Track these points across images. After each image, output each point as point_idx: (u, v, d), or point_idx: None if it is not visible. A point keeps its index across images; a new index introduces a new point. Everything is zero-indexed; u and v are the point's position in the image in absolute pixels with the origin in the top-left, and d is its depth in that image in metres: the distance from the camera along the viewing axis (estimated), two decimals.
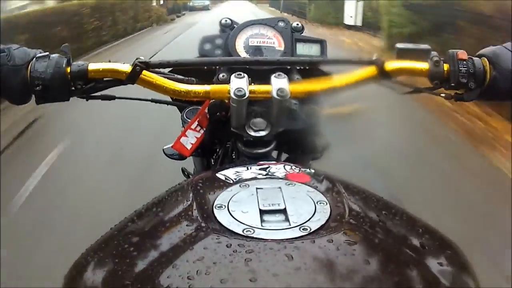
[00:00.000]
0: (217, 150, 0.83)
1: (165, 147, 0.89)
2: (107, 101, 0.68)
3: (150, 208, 0.50)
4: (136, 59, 0.63)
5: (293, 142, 0.74)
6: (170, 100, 0.79)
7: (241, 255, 0.37)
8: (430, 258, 0.42)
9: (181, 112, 0.80)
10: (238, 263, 0.36)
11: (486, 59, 0.66)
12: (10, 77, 0.60)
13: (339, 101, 0.68)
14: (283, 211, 0.43)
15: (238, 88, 0.60)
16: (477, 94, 0.66)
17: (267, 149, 0.66)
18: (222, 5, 34.60)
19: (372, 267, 0.37)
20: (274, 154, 0.73)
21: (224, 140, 0.77)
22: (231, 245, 0.38)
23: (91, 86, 0.64)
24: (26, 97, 0.63)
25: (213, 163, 0.87)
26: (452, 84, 0.66)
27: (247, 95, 0.60)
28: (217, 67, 0.70)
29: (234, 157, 0.75)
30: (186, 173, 1.03)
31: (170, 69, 0.69)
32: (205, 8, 29.30)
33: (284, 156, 0.82)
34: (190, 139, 0.70)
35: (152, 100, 0.78)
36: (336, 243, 0.38)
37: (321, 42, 0.78)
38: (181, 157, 0.81)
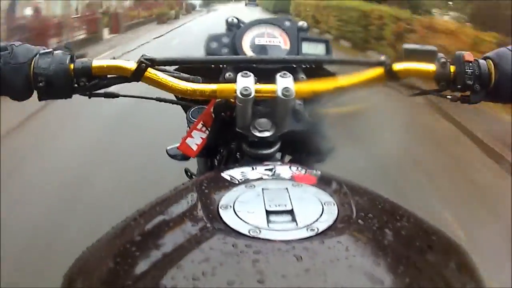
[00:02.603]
0: (221, 151, 0.82)
1: (168, 148, 0.89)
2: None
3: (153, 207, 0.49)
4: (142, 56, 0.62)
5: (298, 143, 0.73)
6: (175, 99, 0.78)
7: (248, 255, 0.36)
8: (437, 260, 0.41)
9: (185, 111, 0.80)
10: (245, 264, 0.35)
11: (491, 61, 0.66)
12: (13, 75, 0.60)
13: (344, 100, 0.67)
14: (290, 212, 0.42)
15: (244, 87, 0.60)
16: (483, 96, 0.66)
17: (272, 150, 0.66)
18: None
19: (381, 268, 0.36)
20: (278, 155, 0.73)
21: (229, 140, 0.76)
22: (237, 245, 0.37)
23: (94, 83, 0.63)
24: (28, 93, 0.62)
25: (216, 164, 0.86)
26: (458, 86, 0.66)
27: (253, 94, 0.60)
28: (223, 65, 0.69)
29: (238, 157, 0.75)
30: (189, 173, 1.03)
31: (175, 67, 0.68)
32: None
33: (288, 158, 0.81)
34: (196, 140, 0.69)
35: (157, 99, 0.78)
36: (345, 244, 0.38)
37: (326, 42, 0.78)
38: (185, 158, 0.80)
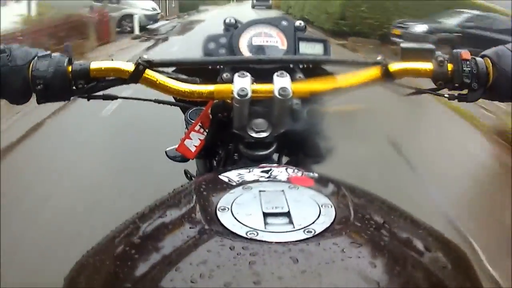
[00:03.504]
0: (220, 152, 0.83)
1: (167, 149, 0.89)
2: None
3: (152, 210, 0.49)
4: (139, 58, 0.62)
5: (295, 144, 0.73)
6: (174, 100, 0.78)
7: (245, 258, 0.36)
8: (434, 261, 0.42)
9: (184, 113, 0.80)
10: (242, 266, 0.35)
11: (488, 60, 0.66)
12: (11, 77, 0.60)
13: (342, 99, 0.67)
14: (287, 214, 0.42)
15: (241, 88, 0.60)
16: (480, 94, 0.66)
17: (268, 151, 0.66)
18: None
19: (377, 269, 0.36)
20: (275, 157, 0.73)
21: (227, 141, 0.77)
22: (234, 247, 0.37)
23: (92, 85, 0.63)
24: (26, 96, 0.63)
25: (215, 165, 0.87)
26: (456, 85, 0.66)
27: (249, 94, 0.60)
28: (221, 66, 0.70)
29: (236, 159, 0.75)
30: (188, 175, 1.03)
31: (173, 68, 0.68)
32: None
33: (286, 159, 0.82)
34: (194, 141, 0.69)
35: (155, 101, 0.78)
36: (341, 246, 0.38)
37: (324, 42, 0.78)
38: (184, 159, 0.80)
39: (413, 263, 0.40)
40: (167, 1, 20.22)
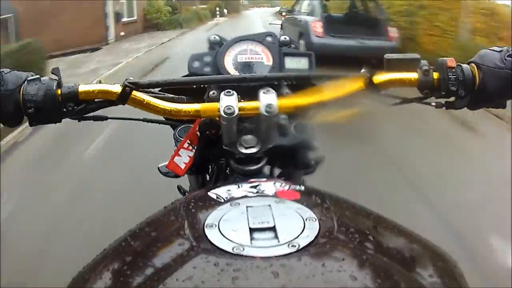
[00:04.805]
0: (211, 167, 0.83)
1: (160, 165, 0.90)
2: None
3: (143, 228, 0.50)
4: (126, 79, 0.64)
5: (285, 157, 0.74)
6: (163, 119, 0.79)
7: (228, 273, 0.37)
8: (420, 271, 0.42)
9: (173, 130, 0.81)
10: (225, 282, 0.36)
11: (474, 65, 0.67)
12: (3, 101, 0.62)
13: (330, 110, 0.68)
14: (273, 229, 0.43)
15: (227, 106, 0.61)
16: (467, 101, 0.67)
17: (259, 166, 0.67)
18: None
19: (359, 283, 0.37)
20: (267, 169, 0.73)
21: (217, 157, 0.77)
22: (219, 263, 0.38)
23: (82, 107, 0.65)
24: (19, 119, 0.64)
25: (208, 180, 0.87)
26: (443, 93, 0.67)
27: (236, 112, 0.61)
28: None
29: (228, 173, 0.76)
30: (182, 190, 1.04)
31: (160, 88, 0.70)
32: None
33: (278, 171, 0.82)
34: (184, 158, 0.70)
35: (144, 120, 0.79)
36: (323, 260, 0.39)
37: (309, 56, 0.79)
38: (176, 175, 0.81)
39: (397, 275, 0.40)
40: None
